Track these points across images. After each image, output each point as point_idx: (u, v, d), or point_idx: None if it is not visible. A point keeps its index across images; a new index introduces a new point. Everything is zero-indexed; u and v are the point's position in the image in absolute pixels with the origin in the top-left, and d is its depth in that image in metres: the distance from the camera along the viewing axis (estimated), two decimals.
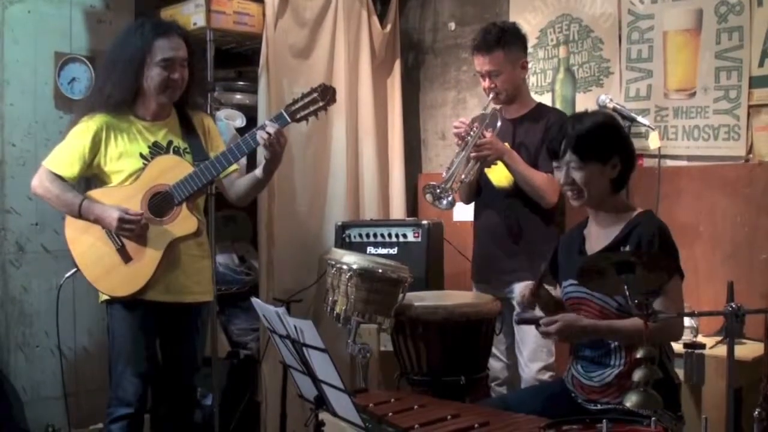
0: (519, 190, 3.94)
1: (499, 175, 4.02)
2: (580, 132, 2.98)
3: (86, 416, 4.52)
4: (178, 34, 3.65)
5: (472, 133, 3.90)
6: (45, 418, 4.37)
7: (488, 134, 3.91)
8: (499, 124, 3.99)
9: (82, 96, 4.50)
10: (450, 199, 3.85)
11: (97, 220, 3.55)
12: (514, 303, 3.79)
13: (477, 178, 4.08)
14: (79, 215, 3.55)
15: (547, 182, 3.83)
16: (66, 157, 3.59)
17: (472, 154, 3.88)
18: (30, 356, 4.39)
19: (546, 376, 3.90)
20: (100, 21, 4.63)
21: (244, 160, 4.15)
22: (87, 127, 3.59)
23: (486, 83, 4.01)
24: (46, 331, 4.39)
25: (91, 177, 3.69)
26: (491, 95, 4.00)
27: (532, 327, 3.37)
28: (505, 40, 3.95)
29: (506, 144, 3.94)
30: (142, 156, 3.63)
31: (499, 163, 3.92)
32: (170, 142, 3.72)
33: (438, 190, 3.84)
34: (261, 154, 3.77)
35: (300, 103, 3.63)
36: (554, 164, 3.09)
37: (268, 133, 3.56)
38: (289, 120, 3.63)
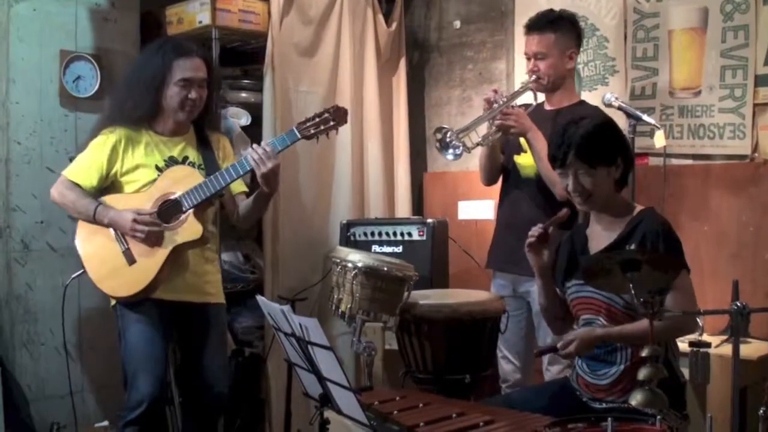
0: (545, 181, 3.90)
1: (526, 165, 4.00)
2: (584, 138, 2.96)
3: (91, 414, 4.52)
4: (198, 56, 3.74)
5: (501, 100, 3.88)
6: (50, 416, 4.37)
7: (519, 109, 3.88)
8: (534, 103, 3.97)
9: (87, 94, 4.51)
10: (456, 151, 3.84)
11: (111, 223, 3.63)
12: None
13: (502, 161, 4.09)
14: (94, 219, 3.64)
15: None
16: (85, 167, 3.70)
17: (497, 121, 3.85)
18: (35, 354, 4.39)
19: None
20: (106, 19, 4.63)
21: None
22: (106, 140, 3.70)
23: (530, 65, 3.97)
24: (51, 329, 4.39)
25: (107, 187, 3.76)
26: (532, 78, 3.95)
27: (548, 331, 3.40)
28: (558, 25, 3.91)
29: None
30: (157, 168, 3.72)
31: (529, 152, 3.90)
32: (186, 158, 3.80)
33: (447, 138, 3.84)
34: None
35: (312, 122, 3.72)
36: (558, 171, 3.07)
37: (257, 153, 3.60)
38: (299, 136, 3.71)
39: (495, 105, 3.87)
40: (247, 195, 3.93)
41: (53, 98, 4.46)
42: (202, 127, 3.89)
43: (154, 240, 3.60)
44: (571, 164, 2.99)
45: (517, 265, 3.88)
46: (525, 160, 3.98)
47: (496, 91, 3.94)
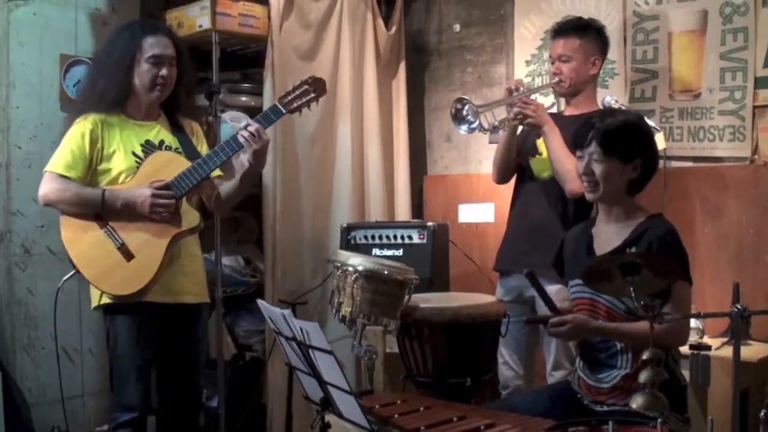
0: (559, 185, 3.89)
1: (540, 166, 4.00)
2: (609, 126, 2.98)
3: (91, 418, 4.52)
4: (165, 34, 3.70)
5: (521, 89, 3.95)
6: (51, 420, 4.37)
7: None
8: (553, 102, 3.98)
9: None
10: (471, 126, 3.89)
11: (126, 204, 3.52)
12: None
13: (516, 158, 4.11)
14: (103, 206, 3.52)
15: (576, 170, 3.82)
16: (68, 158, 3.57)
17: (516, 108, 3.88)
18: (36, 358, 4.39)
19: None
20: (106, 23, 4.63)
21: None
22: (83, 127, 3.59)
23: (553, 68, 4.00)
24: (52, 333, 4.39)
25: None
26: (554, 79, 3.98)
27: (552, 339, 3.39)
28: (585, 31, 3.96)
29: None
30: (134, 154, 3.64)
31: (544, 154, 3.92)
32: (162, 141, 3.73)
33: (465, 111, 3.89)
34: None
35: (293, 95, 3.72)
36: (578, 153, 3.08)
37: (248, 130, 3.59)
38: (283, 111, 3.70)
39: (516, 93, 3.93)
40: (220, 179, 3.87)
41: (53, 102, 4.46)
42: (172, 111, 3.82)
43: (147, 233, 3.54)
44: (589, 147, 3.01)
45: (526, 267, 3.89)
46: (539, 164, 4.00)
47: (519, 82, 4.02)
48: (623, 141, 2.99)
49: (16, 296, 4.35)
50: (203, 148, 3.86)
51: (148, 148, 3.67)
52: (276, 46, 4.76)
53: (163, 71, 3.63)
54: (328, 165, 5.08)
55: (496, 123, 3.97)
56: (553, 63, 4.02)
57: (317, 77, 3.78)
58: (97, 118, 3.61)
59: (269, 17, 4.76)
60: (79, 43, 4.54)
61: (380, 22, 5.32)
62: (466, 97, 3.92)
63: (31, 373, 4.37)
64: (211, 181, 3.80)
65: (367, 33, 5.23)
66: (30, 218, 4.37)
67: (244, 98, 5.02)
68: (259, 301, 2.94)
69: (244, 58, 5.10)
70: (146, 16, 4.83)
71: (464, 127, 3.92)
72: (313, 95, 3.73)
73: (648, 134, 3.11)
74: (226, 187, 3.84)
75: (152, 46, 3.61)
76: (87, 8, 4.58)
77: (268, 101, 4.73)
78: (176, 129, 3.80)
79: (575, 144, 3.11)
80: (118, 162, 3.61)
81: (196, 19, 4.59)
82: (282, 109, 3.70)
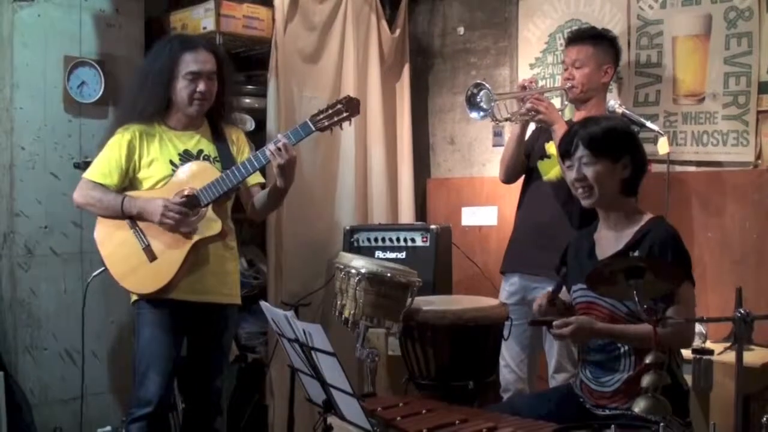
0: (566, 186, 3.90)
1: (548, 168, 4.02)
2: (593, 130, 3.00)
3: (93, 419, 4.51)
4: (205, 48, 3.75)
5: (534, 85, 4.03)
6: (53, 420, 4.37)
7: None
8: (561, 108, 4.06)
9: (91, 100, 4.52)
10: (483, 113, 3.93)
11: (140, 212, 3.63)
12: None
13: (525, 159, 4.15)
14: (122, 212, 3.64)
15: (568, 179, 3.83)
16: (104, 167, 3.69)
17: (528, 104, 3.91)
18: (38, 359, 4.39)
19: None
20: (110, 25, 4.63)
21: None
22: (122, 138, 3.70)
23: (566, 74, 4.05)
24: (54, 334, 4.40)
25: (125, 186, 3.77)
26: (566, 85, 4.03)
27: (554, 342, 3.39)
28: (598, 40, 4.03)
29: None
30: (172, 163, 3.73)
31: (553, 158, 3.94)
32: (200, 151, 3.81)
33: (479, 97, 3.92)
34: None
35: (325, 114, 3.74)
36: (566, 164, 3.09)
37: (275, 145, 3.63)
38: (313, 128, 3.73)
39: (528, 90, 3.99)
40: (263, 186, 3.95)
41: (57, 104, 4.46)
42: (216, 120, 3.91)
43: (183, 229, 3.62)
44: (576, 152, 3.02)
45: (531, 266, 3.98)
46: (548, 166, 4.02)
47: (532, 80, 4.10)
48: (609, 140, 3.01)
49: (19, 297, 4.35)
50: (243, 157, 3.90)
51: (186, 157, 3.76)
52: (280, 48, 4.76)
53: (201, 86, 3.69)
54: (332, 167, 5.08)
55: (509, 115, 4.01)
56: (566, 69, 4.07)
57: (352, 97, 3.80)
58: (137, 129, 3.72)
59: (273, 19, 4.76)
60: (83, 44, 4.54)
61: (384, 24, 5.32)
62: (485, 83, 3.94)
63: (34, 373, 4.37)
64: (248, 189, 3.91)
65: (371, 35, 5.23)
66: (33, 219, 4.37)
67: (248, 100, 5.02)
68: (262, 303, 2.94)
69: (248, 60, 5.10)
70: (151, 18, 4.84)
71: (475, 113, 3.96)
72: (345, 114, 3.75)
73: (631, 133, 3.15)
74: (260, 196, 3.91)
75: (189, 62, 3.68)
76: (91, 10, 4.58)
77: (272, 103, 4.74)
78: (218, 138, 3.88)
79: (562, 154, 3.12)
80: (156, 171, 3.72)
81: (200, 21, 4.59)
82: (312, 127, 3.73)
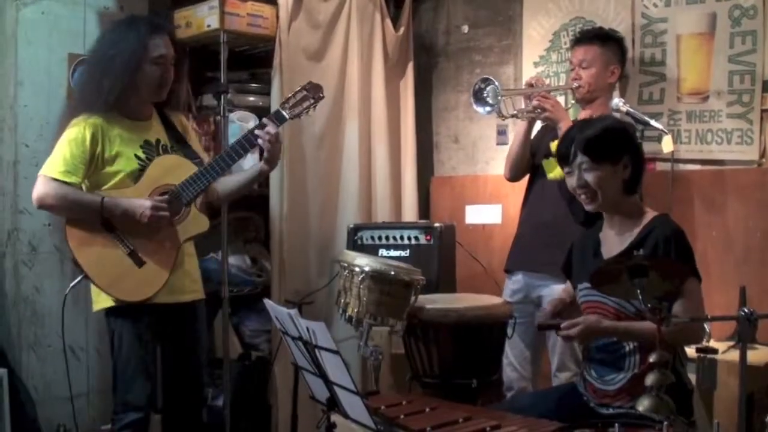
0: None
1: (553, 167, 4.01)
2: (590, 134, 2.99)
3: (97, 417, 4.52)
4: (167, 33, 3.68)
5: (541, 84, 4.07)
6: (56, 418, 4.38)
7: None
8: (569, 104, 4.10)
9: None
10: (489, 108, 3.97)
11: (125, 213, 3.48)
12: (540, 312, 3.68)
13: (530, 158, 4.17)
14: (101, 213, 3.48)
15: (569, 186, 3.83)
16: (69, 164, 3.50)
17: (535, 101, 3.94)
18: (42, 356, 4.39)
19: None
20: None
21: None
22: (85, 131, 3.52)
23: (573, 74, 4.08)
24: (58, 332, 4.39)
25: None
26: (573, 84, 4.05)
27: (559, 340, 3.39)
28: (605, 40, 4.06)
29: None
30: (137, 157, 3.60)
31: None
32: (158, 140, 3.70)
33: (486, 92, 3.95)
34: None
35: (293, 101, 3.76)
36: (565, 170, 3.08)
37: (268, 132, 3.61)
38: (287, 117, 3.74)
39: (536, 88, 4.02)
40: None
41: (61, 101, 4.46)
42: (162, 108, 3.79)
43: (157, 238, 3.54)
44: (575, 159, 3.01)
45: (535, 265, 4.00)
46: (552, 165, 4.01)
47: (538, 78, 4.13)
48: (607, 144, 2.99)
49: (23, 294, 4.36)
50: (194, 143, 3.87)
51: (148, 149, 3.64)
52: (284, 46, 4.76)
53: (167, 72, 3.63)
54: (336, 165, 5.08)
55: (515, 111, 4.03)
56: (573, 69, 4.09)
57: (315, 83, 3.83)
58: (98, 121, 3.54)
59: (278, 17, 4.76)
60: (87, 42, 4.53)
61: (388, 22, 5.31)
62: (493, 78, 3.95)
63: (37, 370, 4.38)
64: None
65: (376, 33, 5.23)
66: (37, 216, 4.37)
67: (252, 98, 5.03)
68: (266, 301, 2.94)
69: (252, 58, 5.11)
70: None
71: (481, 108, 3.98)
72: (312, 101, 3.78)
73: (627, 131, 3.14)
74: (232, 180, 3.85)
75: (157, 46, 3.58)
76: (95, 7, 4.58)
77: (275, 101, 4.73)
78: (167, 126, 3.78)
79: (560, 160, 3.11)
80: (122, 165, 3.57)
81: (204, 19, 4.59)
82: (286, 115, 3.74)
